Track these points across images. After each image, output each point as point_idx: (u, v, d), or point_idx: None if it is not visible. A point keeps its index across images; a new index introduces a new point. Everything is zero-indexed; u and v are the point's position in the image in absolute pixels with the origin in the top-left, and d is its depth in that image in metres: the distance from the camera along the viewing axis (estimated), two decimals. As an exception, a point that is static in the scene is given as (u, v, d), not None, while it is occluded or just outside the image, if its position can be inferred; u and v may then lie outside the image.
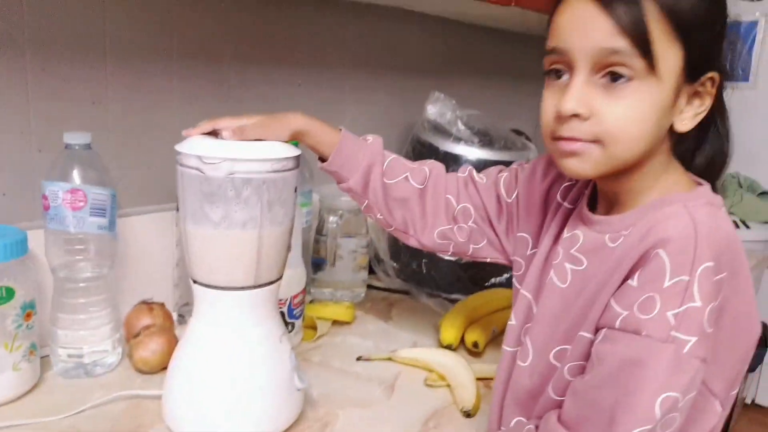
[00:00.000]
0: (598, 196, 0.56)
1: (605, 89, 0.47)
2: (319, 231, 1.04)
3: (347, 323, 0.95)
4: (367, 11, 1.15)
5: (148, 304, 0.81)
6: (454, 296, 1.03)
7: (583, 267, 0.53)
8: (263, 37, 1.01)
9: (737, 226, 2.12)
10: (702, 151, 0.53)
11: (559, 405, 0.50)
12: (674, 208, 0.48)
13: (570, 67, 0.49)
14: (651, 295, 0.44)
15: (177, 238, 0.90)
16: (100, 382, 0.74)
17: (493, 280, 1.03)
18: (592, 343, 0.48)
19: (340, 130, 0.68)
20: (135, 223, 0.86)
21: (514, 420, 0.58)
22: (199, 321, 0.64)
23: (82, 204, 0.70)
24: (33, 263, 0.71)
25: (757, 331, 0.50)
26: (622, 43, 0.45)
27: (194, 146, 0.58)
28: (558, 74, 0.50)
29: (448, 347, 0.86)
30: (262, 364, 0.63)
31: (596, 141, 0.48)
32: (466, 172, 0.71)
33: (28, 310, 0.68)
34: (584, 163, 0.50)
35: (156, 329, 0.77)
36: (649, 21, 0.45)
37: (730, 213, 2.18)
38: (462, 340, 0.88)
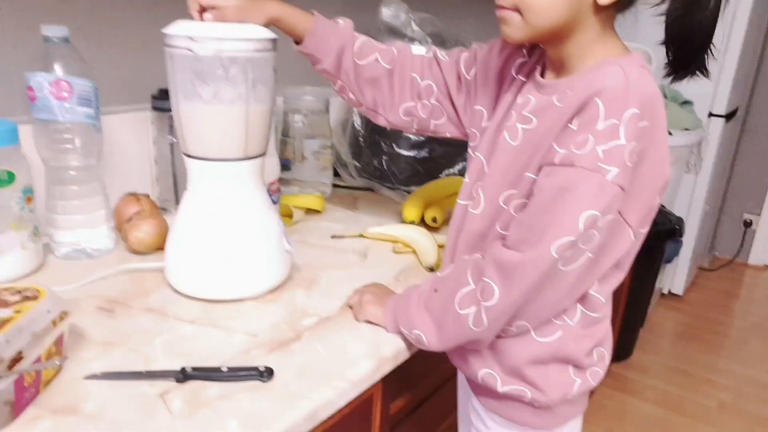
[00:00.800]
0: (547, 67, 0.65)
1: None
2: (285, 133, 1.11)
3: (318, 212, 1.04)
4: None
5: (134, 195, 0.87)
6: (412, 188, 1.14)
7: (532, 125, 0.62)
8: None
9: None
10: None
11: (503, 238, 0.61)
12: (611, 67, 0.56)
13: None
14: (587, 136, 0.53)
15: (153, 136, 0.95)
16: (100, 262, 0.81)
17: (446, 171, 1.15)
18: (533, 182, 0.58)
19: (312, 13, 0.73)
20: (111, 121, 0.90)
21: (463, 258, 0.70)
22: (195, 193, 0.71)
23: (67, 94, 0.74)
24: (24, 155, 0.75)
25: (667, 175, 0.60)
26: None
27: (182, 28, 0.63)
28: None
29: (411, 223, 0.97)
30: (255, 228, 0.72)
31: (516, 9, 0.57)
32: (431, 53, 0.78)
33: (28, 194, 0.73)
34: (511, 29, 0.59)
35: (146, 213, 0.83)
36: None
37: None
38: (422, 219, 1.00)
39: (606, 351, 0.70)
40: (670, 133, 2.32)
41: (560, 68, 0.62)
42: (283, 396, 0.56)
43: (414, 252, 0.89)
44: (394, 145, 1.10)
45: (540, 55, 0.67)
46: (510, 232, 0.59)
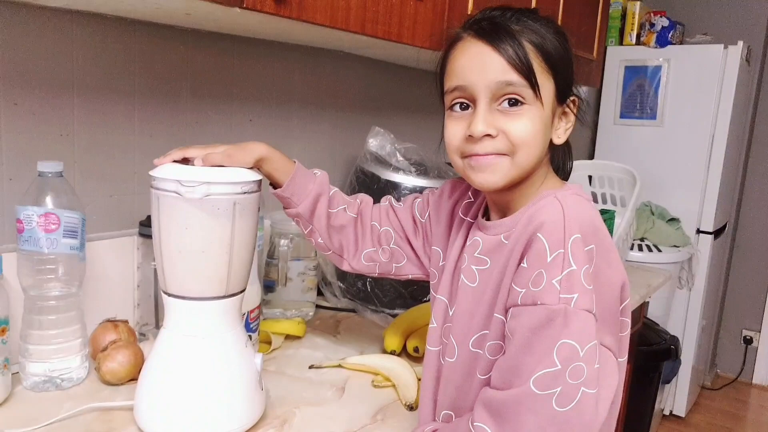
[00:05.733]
0: (490, 208, 0.69)
1: (504, 113, 0.60)
2: (270, 255, 1.13)
3: (298, 338, 1.03)
4: (311, 53, 1.27)
5: (112, 322, 0.87)
6: (396, 311, 1.14)
7: (487, 266, 0.64)
8: (218, 77, 1.10)
9: (650, 249, 2.36)
10: (570, 160, 0.69)
11: (489, 383, 0.60)
12: (548, 200, 0.60)
13: (472, 100, 0.62)
14: (540, 271, 0.56)
15: (138, 261, 0.97)
16: (69, 394, 0.78)
17: (430, 295, 1.15)
18: (504, 323, 0.59)
19: (294, 161, 0.78)
20: (98, 247, 0.92)
21: (442, 413, 0.68)
22: (171, 330, 0.71)
23: (54, 227, 0.76)
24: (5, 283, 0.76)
25: (622, 277, 0.61)
26: (515, 77, 0.59)
27: (171, 171, 0.66)
28: (462, 106, 0.63)
29: (392, 353, 0.96)
30: (232, 367, 0.71)
31: (505, 154, 0.61)
32: (387, 202, 0.84)
33: (3, 326, 0.73)
34: (495, 175, 0.62)
35: (122, 343, 0.82)
36: (532, 59, 0.60)
37: (644, 239, 2.42)
38: (404, 347, 0.99)
39: None
40: (659, 250, 2.35)
41: (505, 209, 0.66)
42: None
43: (394, 386, 0.87)
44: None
45: (483, 197, 0.71)
46: (493, 375, 0.59)
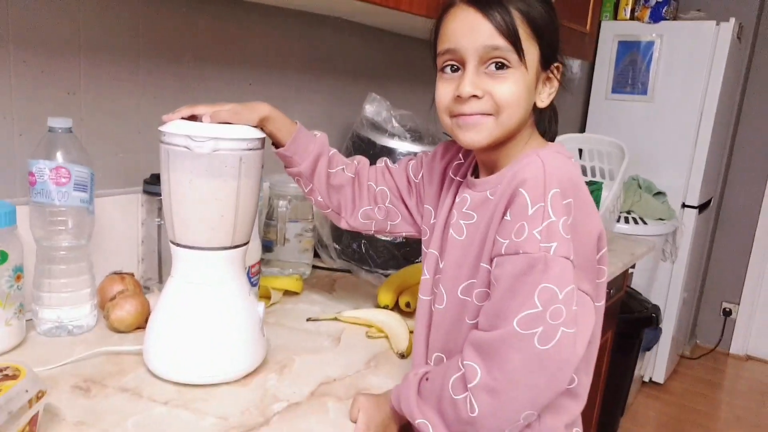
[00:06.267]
0: (479, 168, 0.74)
1: (491, 76, 0.64)
2: (269, 216, 1.16)
3: (296, 294, 1.08)
4: (312, 19, 1.29)
5: (119, 274, 0.91)
6: (389, 272, 1.18)
7: (474, 220, 0.69)
8: (219, 41, 1.13)
9: (636, 222, 2.42)
10: (555, 123, 0.73)
11: (476, 327, 0.65)
12: (530, 158, 0.65)
13: (461, 63, 0.66)
14: (521, 223, 0.60)
15: (142, 218, 1.00)
16: (80, 340, 0.83)
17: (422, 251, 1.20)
18: (489, 272, 0.64)
19: (296, 123, 0.81)
20: (104, 203, 0.95)
21: (434, 355, 0.74)
22: (179, 279, 0.75)
23: (65, 180, 0.80)
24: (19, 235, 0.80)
25: (599, 228, 0.66)
26: (501, 41, 0.63)
27: (182, 127, 0.69)
28: (452, 68, 0.67)
29: (385, 308, 1.01)
30: (236, 314, 0.75)
31: (490, 113, 0.66)
32: (383, 163, 0.88)
33: (18, 273, 0.77)
34: (480, 134, 0.66)
35: (129, 293, 0.87)
36: (518, 25, 0.63)
37: (630, 211, 2.48)
38: (396, 303, 1.04)
39: (581, 431, 0.74)
40: (644, 222, 2.42)
41: (491, 167, 0.71)
42: (247, 482, 0.58)
43: (387, 337, 0.93)
44: (373, 232, 1.16)
45: (472, 157, 0.75)
46: (480, 319, 0.64)
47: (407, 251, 1.19)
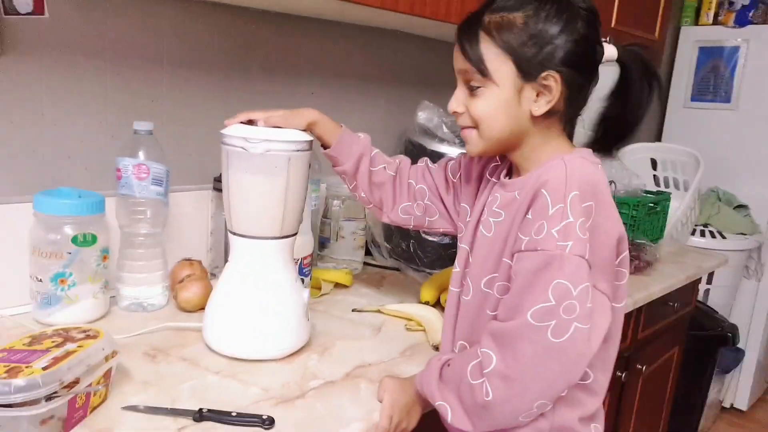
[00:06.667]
0: (513, 169, 0.77)
1: (470, 94, 0.71)
2: (325, 214, 1.26)
3: (346, 287, 1.16)
4: (370, 32, 1.38)
5: (188, 260, 1.02)
6: (435, 271, 1.23)
7: (502, 218, 0.73)
8: (284, 53, 1.24)
9: (713, 236, 2.31)
10: (619, 139, 0.75)
11: (496, 318, 0.69)
12: (555, 161, 0.69)
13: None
14: (542, 222, 0.64)
15: (212, 212, 1.12)
16: (153, 315, 0.95)
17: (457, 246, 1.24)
18: (510, 267, 0.68)
19: (341, 126, 0.89)
20: (179, 198, 1.08)
21: (458, 343, 0.78)
22: (235, 264, 0.85)
23: (145, 175, 0.92)
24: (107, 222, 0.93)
25: (620, 231, 0.69)
26: (465, 64, 0.70)
27: (239, 130, 0.79)
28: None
29: (426, 303, 1.06)
30: (282, 298, 0.84)
31: (472, 127, 0.72)
32: (424, 163, 0.94)
33: (105, 254, 0.90)
34: (470, 145, 0.73)
35: (196, 277, 0.98)
36: (483, 50, 0.68)
37: (707, 224, 2.36)
38: (438, 300, 1.09)
39: (601, 428, 0.76)
40: (723, 236, 2.29)
41: (519, 169, 0.75)
42: (278, 442, 0.65)
43: (424, 330, 0.98)
44: (420, 231, 1.21)
45: (508, 160, 0.79)
46: (499, 310, 0.68)
47: (454, 252, 1.22)
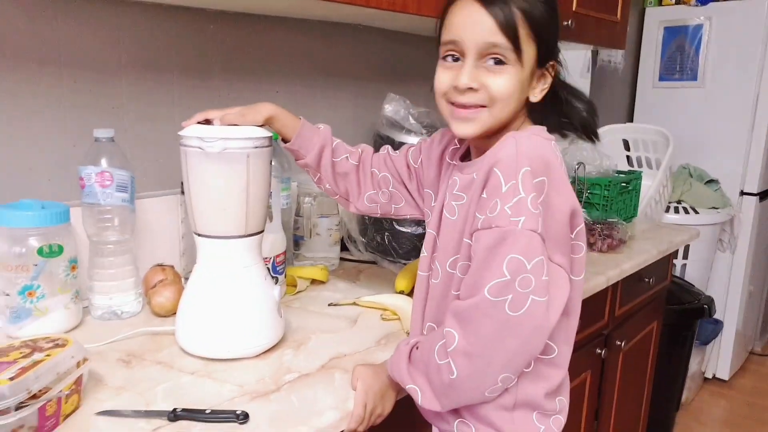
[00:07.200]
0: (472, 152, 0.78)
1: (488, 69, 0.68)
2: (297, 212, 1.26)
3: (323, 283, 1.16)
4: (331, 28, 1.38)
5: (161, 266, 1.02)
6: (410, 261, 1.24)
7: (464, 201, 0.74)
8: (246, 53, 1.23)
9: (687, 212, 2.35)
10: (553, 114, 0.77)
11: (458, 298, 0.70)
12: (507, 140, 0.69)
13: (462, 54, 0.70)
14: (495, 200, 0.65)
15: (182, 216, 1.12)
16: (126, 323, 0.95)
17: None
18: (470, 246, 0.69)
19: (300, 118, 0.89)
20: (148, 204, 1.07)
21: (427, 325, 0.80)
22: (203, 265, 0.85)
23: (109, 183, 0.92)
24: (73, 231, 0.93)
25: (572, 204, 0.70)
26: (501, 39, 0.66)
27: (195, 131, 0.79)
28: (453, 58, 0.71)
29: (401, 293, 1.07)
30: (253, 296, 0.84)
31: (484, 106, 0.70)
32: (385, 150, 0.94)
33: (73, 264, 0.89)
34: (474, 125, 0.71)
35: (168, 282, 0.98)
36: (518, 24, 0.67)
37: (680, 201, 2.40)
38: (412, 289, 1.09)
39: (566, 400, 0.77)
40: (696, 212, 2.33)
41: (482, 152, 0.75)
42: (252, 436, 0.66)
43: (399, 319, 0.99)
44: (394, 223, 1.22)
45: (467, 143, 0.80)
46: (461, 290, 0.69)
47: (428, 242, 1.24)
